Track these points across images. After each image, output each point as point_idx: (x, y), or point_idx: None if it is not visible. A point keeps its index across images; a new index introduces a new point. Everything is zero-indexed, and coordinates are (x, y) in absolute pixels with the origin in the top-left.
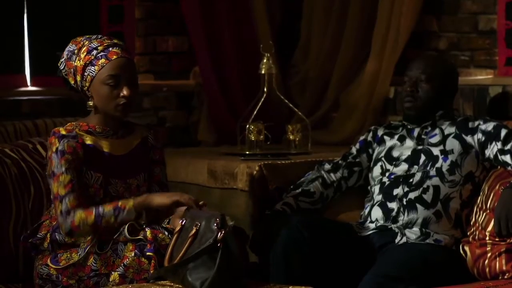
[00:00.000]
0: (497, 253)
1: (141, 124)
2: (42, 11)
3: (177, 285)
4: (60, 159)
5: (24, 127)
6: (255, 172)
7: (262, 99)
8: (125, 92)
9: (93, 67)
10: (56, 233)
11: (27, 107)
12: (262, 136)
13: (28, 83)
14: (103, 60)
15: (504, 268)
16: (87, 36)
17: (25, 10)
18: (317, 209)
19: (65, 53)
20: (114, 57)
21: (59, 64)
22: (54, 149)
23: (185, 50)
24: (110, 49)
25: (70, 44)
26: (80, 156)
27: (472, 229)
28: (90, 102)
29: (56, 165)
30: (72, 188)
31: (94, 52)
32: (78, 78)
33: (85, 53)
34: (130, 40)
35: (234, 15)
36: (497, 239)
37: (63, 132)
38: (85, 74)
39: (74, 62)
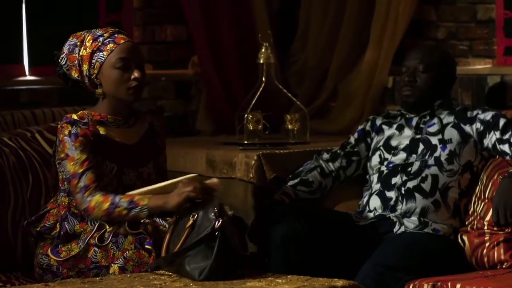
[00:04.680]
0: (495, 243)
1: (144, 110)
2: (41, 0)
3: (176, 275)
4: (74, 142)
5: (22, 117)
6: (253, 161)
7: (261, 89)
8: (136, 74)
9: (101, 53)
10: (65, 223)
11: (26, 96)
12: (260, 126)
13: (27, 72)
14: (111, 45)
15: (502, 257)
16: (86, 30)
17: (24, 0)
18: (316, 199)
19: (66, 47)
20: (122, 41)
21: (59, 61)
22: (66, 132)
23: (184, 40)
24: (116, 35)
25: (70, 39)
26: (92, 141)
27: (471, 219)
28: (99, 89)
29: (70, 147)
30: (89, 166)
31: (101, 39)
32: (85, 67)
33: (91, 41)
34: (129, 30)
35: (232, 4)
36: (495, 229)
37: (75, 117)
38: (93, 61)
39: (79, 53)
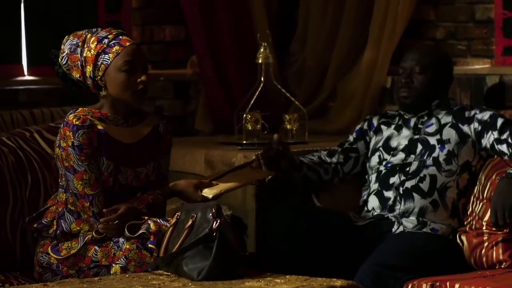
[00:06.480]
0: (493, 243)
1: (153, 113)
2: (39, 0)
3: (175, 275)
4: (79, 155)
5: (21, 116)
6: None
7: (259, 89)
8: (142, 77)
9: (106, 55)
10: (62, 221)
11: (24, 96)
12: (259, 126)
13: (25, 72)
14: (117, 48)
15: (501, 257)
16: (87, 30)
17: (22, 0)
18: (325, 181)
19: (66, 47)
20: (127, 44)
21: (60, 60)
22: (70, 143)
23: (182, 40)
24: (121, 37)
25: (71, 38)
26: (95, 146)
27: (469, 219)
28: (103, 92)
29: (75, 160)
30: (98, 187)
31: (106, 40)
32: (89, 68)
33: (95, 43)
34: (127, 30)
35: (231, 3)
36: (493, 229)
37: (77, 123)
38: (98, 63)
39: (82, 54)
